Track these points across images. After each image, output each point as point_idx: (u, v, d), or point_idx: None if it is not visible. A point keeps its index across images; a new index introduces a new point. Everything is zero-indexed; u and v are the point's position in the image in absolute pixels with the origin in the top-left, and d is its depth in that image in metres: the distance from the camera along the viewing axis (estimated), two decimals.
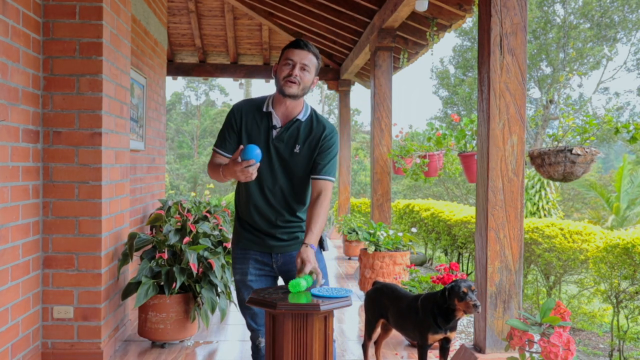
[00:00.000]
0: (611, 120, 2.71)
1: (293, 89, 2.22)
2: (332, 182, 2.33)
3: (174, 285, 3.55)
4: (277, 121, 2.29)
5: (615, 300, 4.13)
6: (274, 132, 2.29)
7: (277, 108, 2.30)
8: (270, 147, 2.28)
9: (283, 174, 2.31)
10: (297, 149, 2.28)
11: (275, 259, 2.39)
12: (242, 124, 2.32)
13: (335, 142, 2.34)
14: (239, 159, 2.08)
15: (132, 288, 3.59)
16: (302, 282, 2.15)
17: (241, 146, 2.10)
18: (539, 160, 2.77)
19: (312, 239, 2.21)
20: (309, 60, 2.24)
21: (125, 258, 3.66)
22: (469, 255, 7.04)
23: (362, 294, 5.25)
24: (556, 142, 2.84)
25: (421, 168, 4.92)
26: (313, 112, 2.36)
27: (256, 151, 2.07)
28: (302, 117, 2.30)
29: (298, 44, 2.26)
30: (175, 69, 8.99)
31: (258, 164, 2.09)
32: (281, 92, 2.25)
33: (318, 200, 2.27)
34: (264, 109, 2.31)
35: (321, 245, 2.43)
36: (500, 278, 2.76)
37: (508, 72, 2.74)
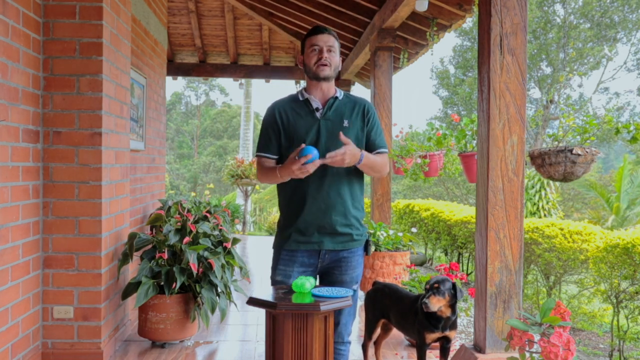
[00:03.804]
0: (611, 120, 2.70)
1: (326, 71, 2.33)
2: (387, 151, 2.46)
3: (174, 285, 3.55)
4: (317, 104, 2.37)
5: (615, 300, 4.13)
6: (318, 114, 2.35)
7: (313, 94, 2.39)
8: (320, 128, 2.32)
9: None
10: (346, 124, 2.34)
11: (322, 258, 2.36)
12: (283, 121, 2.37)
13: (376, 114, 2.48)
14: (297, 157, 2.15)
15: (132, 288, 3.59)
16: (306, 284, 2.15)
17: (302, 145, 2.18)
18: (539, 160, 2.77)
19: (366, 154, 2.29)
20: (332, 42, 2.36)
21: (125, 258, 3.66)
22: (469, 255, 7.04)
23: (362, 294, 5.25)
24: (556, 142, 2.84)
25: (421, 168, 4.91)
26: (345, 92, 2.47)
27: (314, 151, 2.16)
28: (339, 95, 2.40)
29: (319, 29, 2.37)
30: (175, 69, 8.99)
31: (317, 160, 2.16)
32: (315, 77, 2.35)
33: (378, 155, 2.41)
34: (300, 98, 2.39)
35: (366, 248, 2.45)
36: (500, 278, 2.76)
37: (508, 72, 2.74)
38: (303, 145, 2.18)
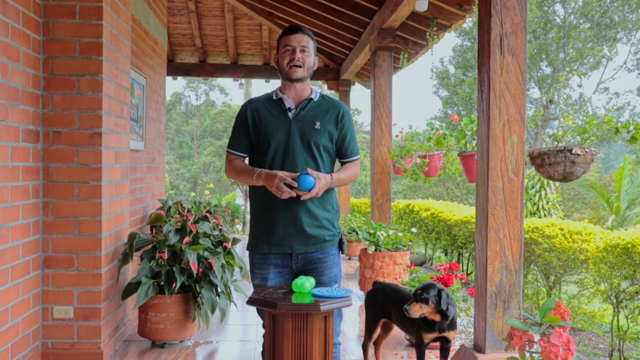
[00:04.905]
0: (611, 120, 2.71)
1: (299, 73, 2.31)
2: (359, 158, 2.46)
3: (174, 285, 3.55)
4: (290, 104, 2.36)
5: (615, 300, 4.13)
6: (290, 114, 2.34)
7: (287, 94, 2.37)
8: (291, 128, 2.32)
9: (305, 156, 2.32)
10: (317, 126, 2.33)
11: (295, 260, 2.37)
12: (255, 119, 2.37)
13: (352, 119, 2.45)
14: (288, 183, 2.19)
15: (132, 288, 3.59)
16: (306, 284, 2.15)
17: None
18: (539, 160, 2.77)
19: (336, 177, 2.31)
20: (307, 42, 2.33)
21: (125, 258, 3.66)
22: (469, 255, 7.04)
23: (362, 294, 5.25)
24: (556, 142, 2.84)
25: (421, 168, 4.91)
26: (321, 94, 2.45)
27: (309, 179, 2.19)
28: (314, 97, 2.38)
29: (292, 29, 2.34)
30: (175, 69, 8.99)
31: (299, 192, 2.21)
32: (288, 78, 2.33)
33: (348, 165, 2.43)
34: (274, 98, 2.38)
35: (340, 247, 2.45)
36: (500, 278, 2.76)
37: (508, 72, 2.74)
38: (294, 184, 2.20)
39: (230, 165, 2.42)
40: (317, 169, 2.34)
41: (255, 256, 2.41)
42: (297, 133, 2.31)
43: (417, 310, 2.61)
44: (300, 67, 2.30)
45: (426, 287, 2.63)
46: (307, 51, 2.32)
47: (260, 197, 2.37)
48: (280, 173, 2.21)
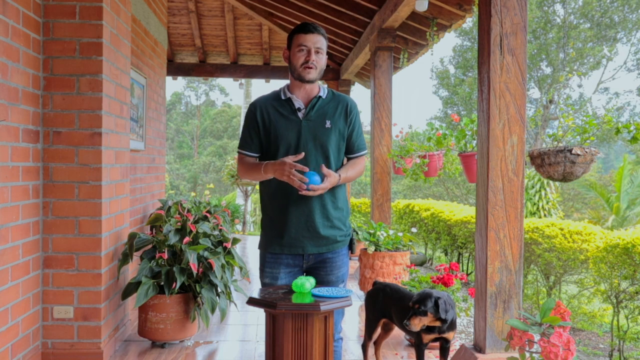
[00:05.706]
0: (611, 120, 2.71)
1: (312, 74, 2.30)
2: (366, 153, 2.48)
3: (174, 285, 3.55)
4: (299, 104, 2.34)
5: (615, 300, 4.13)
6: (300, 114, 2.33)
7: (296, 93, 2.36)
8: (302, 129, 2.30)
9: (316, 156, 2.31)
10: (328, 124, 2.32)
11: (306, 259, 2.37)
12: (265, 119, 2.35)
13: (359, 114, 2.46)
14: (292, 165, 2.17)
15: (132, 288, 3.59)
16: (306, 284, 2.15)
17: (306, 169, 2.19)
18: (539, 160, 2.77)
19: (343, 176, 2.31)
20: (321, 42, 2.31)
21: (125, 258, 3.66)
22: (469, 255, 7.04)
23: (362, 294, 5.25)
24: (556, 142, 2.84)
25: (421, 168, 4.91)
26: (329, 89, 2.44)
27: (316, 177, 2.19)
28: (323, 94, 2.37)
29: (307, 28, 2.31)
30: (175, 69, 8.99)
31: (311, 185, 2.18)
32: (300, 78, 2.31)
33: (355, 161, 2.44)
34: (283, 97, 2.37)
35: (351, 247, 2.45)
36: (500, 278, 2.76)
37: (508, 72, 2.74)
38: (307, 169, 2.18)
39: (241, 164, 2.42)
40: (329, 168, 2.33)
41: (266, 255, 2.41)
42: (308, 133, 2.30)
43: (417, 324, 2.60)
44: (313, 69, 2.29)
45: (423, 299, 2.60)
46: (320, 52, 2.31)
47: (271, 198, 2.37)
48: (289, 159, 2.19)
